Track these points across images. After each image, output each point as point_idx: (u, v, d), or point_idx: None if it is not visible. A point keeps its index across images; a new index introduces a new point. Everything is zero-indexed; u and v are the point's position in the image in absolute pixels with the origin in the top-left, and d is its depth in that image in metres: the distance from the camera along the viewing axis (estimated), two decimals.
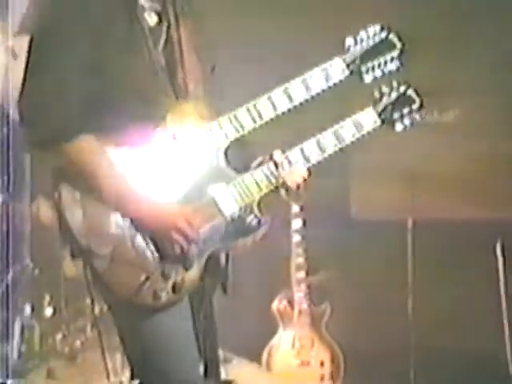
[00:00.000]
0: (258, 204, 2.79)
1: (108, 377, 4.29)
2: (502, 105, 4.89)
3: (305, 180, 2.86)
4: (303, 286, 4.88)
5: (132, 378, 2.79)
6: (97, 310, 4.17)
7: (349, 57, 2.83)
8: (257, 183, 2.78)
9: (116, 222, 2.61)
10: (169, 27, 2.78)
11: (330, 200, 5.04)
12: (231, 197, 2.75)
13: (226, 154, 2.76)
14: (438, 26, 4.93)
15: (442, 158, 4.75)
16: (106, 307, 2.79)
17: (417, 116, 2.90)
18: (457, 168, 4.72)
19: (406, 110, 2.89)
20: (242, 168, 2.79)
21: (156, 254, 2.64)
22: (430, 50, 4.47)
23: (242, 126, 2.76)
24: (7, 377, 4.19)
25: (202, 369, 2.78)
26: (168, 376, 2.67)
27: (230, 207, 2.74)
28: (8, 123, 4.69)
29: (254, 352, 4.94)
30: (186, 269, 2.67)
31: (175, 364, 2.68)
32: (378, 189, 4.85)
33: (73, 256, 2.66)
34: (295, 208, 4.85)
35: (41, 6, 2.70)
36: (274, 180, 2.80)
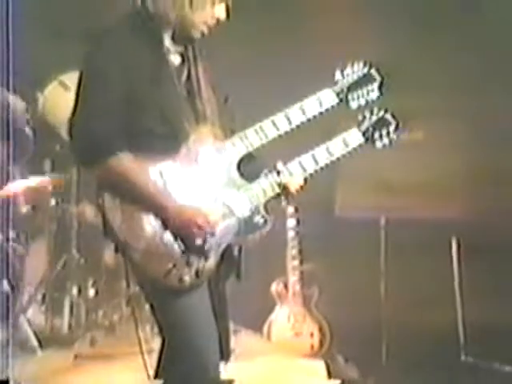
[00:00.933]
0: (264, 206, 2.78)
1: (140, 345, 4.26)
2: (462, 126, 4.87)
3: (301, 187, 2.85)
4: (297, 273, 4.85)
5: (158, 371, 2.80)
6: (131, 291, 4.16)
7: (338, 88, 2.85)
8: (263, 189, 2.77)
9: (149, 221, 2.60)
10: (189, 66, 2.77)
11: (319, 202, 5.02)
12: (242, 201, 2.73)
13: (238, 166, 2.76)
14: (412, 61, 4.92)
15: (411, 168, 4.73)
16: (137, 289, 2.77)
17: (394, 136, 2.91)
18: (422, 176, 4.70)
19: (384, 131, 2.89)
20: (252, 177, 2.78)
21: (182, 247, 2.62)
22: (405, 81, 4.44)
23: (251, 144, 2.77)
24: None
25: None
26: (190, 343, 2.66)
27: (242, 209, 2.73)
28: (59, 142, 4.71)
29: (257, 325, 4.92)
30: (206, 259, 2.65)
31: (197, 335, 2.66)
32: (358, 193, 4.83)
33: (116, 250, 2.65)
34: (290, 209, 4.84)
35: (88, 49, 2.68)
36: (276, 187, 2.79)
